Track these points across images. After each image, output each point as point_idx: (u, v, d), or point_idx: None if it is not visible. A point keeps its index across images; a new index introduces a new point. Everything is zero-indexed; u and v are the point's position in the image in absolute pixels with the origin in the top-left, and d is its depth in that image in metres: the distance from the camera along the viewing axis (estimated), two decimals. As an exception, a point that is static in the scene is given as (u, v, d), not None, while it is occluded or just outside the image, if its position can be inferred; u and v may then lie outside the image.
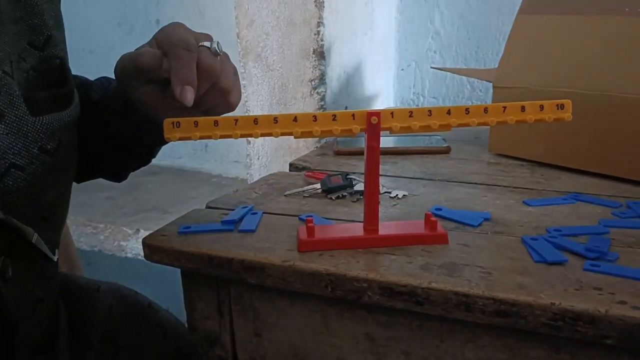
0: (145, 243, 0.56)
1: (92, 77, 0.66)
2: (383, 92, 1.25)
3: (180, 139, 0.50)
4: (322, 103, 1.04)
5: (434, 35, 1.25)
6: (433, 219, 0.53)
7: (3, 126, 0.45)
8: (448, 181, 0.72)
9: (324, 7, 0.99)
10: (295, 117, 0.50)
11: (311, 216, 0.57)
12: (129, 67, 0.53)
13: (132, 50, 0.55)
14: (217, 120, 0.50)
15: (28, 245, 0.51)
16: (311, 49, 1.01)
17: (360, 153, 0.81)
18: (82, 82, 0.64)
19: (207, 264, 0.53)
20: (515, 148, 0.80)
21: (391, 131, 0.51)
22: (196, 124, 0.50)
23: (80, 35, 1.79)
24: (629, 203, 0.61)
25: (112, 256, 1.50)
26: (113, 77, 0.57)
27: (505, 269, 0.47)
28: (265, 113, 1.03)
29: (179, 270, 0.57)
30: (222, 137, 0.50)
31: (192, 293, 0.58)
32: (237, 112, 0.56)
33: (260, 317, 0.56)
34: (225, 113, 0.56)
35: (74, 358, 0.63)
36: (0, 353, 0.52)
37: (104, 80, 0.64)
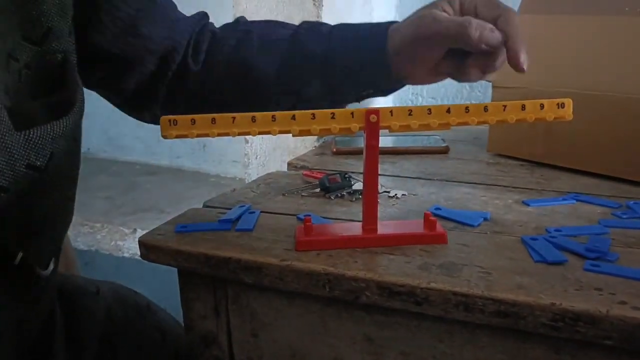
0: (142, 242, 0.55)
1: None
2: (382, 92, 1.25)
3: (177, 137, 0.49)
4: (321, 102, 1.03)
5: (433, 35, 1.25)
6: (432, 218, 0.53)
7: None
8: (447, 181, 0.71)
9: (322, 6, 0.98)
10: (294, 116, 0.50)
11: (309, 215, 0.57)
12: (430, 31, 0.53)
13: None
14: (214, 118, 0.49)
15: (11, 266, 0.48)
16: (310, 49, 1.01)
17: (359, 152, 0.81)
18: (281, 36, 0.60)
19: (203, 263, 0.53)
20: (515, 148, 0.80)
21: (390, 130, 0.50)
22: (193, 121, 0.49)
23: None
24: (629, 203, 0.61)
25: (109, 256, 1.50)
26: None
27: (505, 269, 0.47)
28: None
29: (175, 270, 0.57)
30: (219, 135, 0.49)
31: (188, 293, 0.58)
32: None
33: (258, 317, 0.55)
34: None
35: None
36: None
37: (307, 28, 0.61)
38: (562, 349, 0.44)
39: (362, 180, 0.52)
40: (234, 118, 0.49)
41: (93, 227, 1.53)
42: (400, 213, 0.61)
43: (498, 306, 0.43)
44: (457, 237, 0.53)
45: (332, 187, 0.66)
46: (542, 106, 0.50)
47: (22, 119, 0.43)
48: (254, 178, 0.93)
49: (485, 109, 0.50)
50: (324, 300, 0.51)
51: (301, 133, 0.50)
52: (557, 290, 0.43)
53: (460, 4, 0.55)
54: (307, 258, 0.50)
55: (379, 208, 0.53)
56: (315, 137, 0.95)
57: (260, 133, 0.50)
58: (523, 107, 0.50)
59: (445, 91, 1.27)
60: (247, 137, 1.11)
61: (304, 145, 0.99)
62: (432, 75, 0.58)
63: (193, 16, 0.65)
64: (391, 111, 0.50)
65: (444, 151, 0.85)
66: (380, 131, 0.50)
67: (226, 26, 0.66)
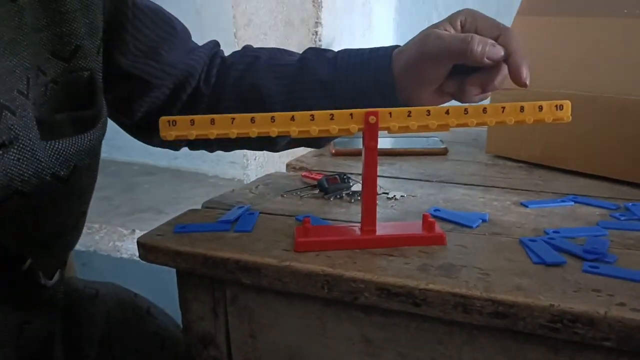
0: (140, 243, 0.55)
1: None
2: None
3: (176, 138, 0.49)
4: (320, 103, 1.03)
5: (431, 37, 1.25)
6: (431, 219, 0.53)
7: (15, 150, 0.42)
8: (446, 182, 0.71)
9: (321, 7, 0.99)
10: (293, 116, 0.50)
11: (308, 216, 0.57)
12: (434, 49, 0.54)
13: None
14: (213, 119, 0.49)
15: (17, 272, 0.49)
16: (309, 49, 1.01)
17: (358, 154, 0.81)
18: (295, 64, 0.62)
19: (202, 264, 0.53)
20: (513, 150, 0.80)
21: (389, 131, 0.50)
22: (192, 122, 0.49)
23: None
24: (628, 205, 0.61)
25: (107, 257, 1.50)
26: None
27: (504, 270, 0.47)
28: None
29: (174, 271, 0.57)
30: (218, 135, 0.49)
31: (187, 293, 0.58)
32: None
33: (256, 318, 0.55)
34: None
35: None
36: None
37: (313, 54, 0.63)
38: (560, 350, 0.44)
39: (360, 181, 0.52)
40: (233, 119, 0.49)
41: (91, 228, 1.53)
42: (399, 214, 0.61)
43: (496, 307, 0.43)
44: (456, 238, 0.53)
45: (330, 188, 0.66)
46: (540, 108, 0.50)
47: (48, 130, 0.44)
48: (252, 179, 0.93)
49: (484, 110, 0.50)
50: (322, 301, 0.51)
51: (300, 134, 0.50)
52: (556, 291, 0.43)
53: (461, 24, 0.56)
54: (305, 259, 0.50)
55: (377, 209, 0.53)
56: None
57: (259, 134, 0.50)
58: (522, 109, 0.50)
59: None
60: (246, 138, 1.11)
61: (303, 146, 0.99)
62: (436, 97, 0.58)
63: (207, 44, 0.67)
64: (390, 112, 0.50)
65: (443, 153, 0.85)
66: (379, 132, 0.50)
67: (235, 53, 0.68)
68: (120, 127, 0.66)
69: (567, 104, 0.51)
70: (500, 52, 0.53)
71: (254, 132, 0.49)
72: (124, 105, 0.62)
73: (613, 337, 0.40)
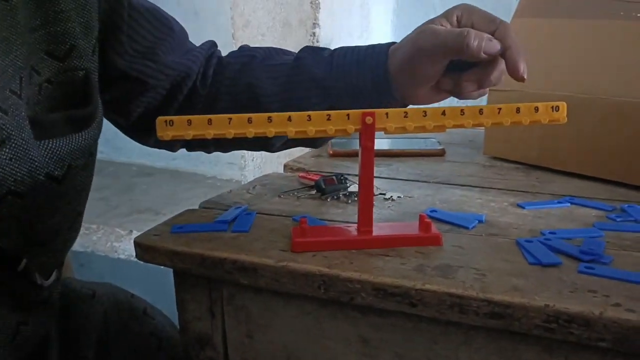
0: (137, 243, 0.55)
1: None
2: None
3: (173, 138, 0.50)
4: (318, 104, 1.03)
5: (429, 39, 1.25)
6: (427, 220, 0.53)
7: (7, 150, 0.42)
8: (443, 183, 0.71)
9: (319, 8, 0.99)
10: (290, 117, 0.50)
11: (305, 217, 0.57)
12: (429, 44, 0.54)
13: None
14: (210, 119, 0.49)
15: (13, 272, 0.49)
16: (307, 51, 1.01)
17: (355, 155, 0.81)
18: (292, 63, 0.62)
19: (199, 264, 0.53)
20: (510, 151, 0.80)
21: (386, 131, 0.51)
22: (189, 122, 0.49)
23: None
24: (624, 206, 0.61)
25: (105, 257, 1.49)
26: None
27: (500, 271, 0.47)
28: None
29: (171, 271, 0.57)
30: (215, 136, 0.50)
31: (184, 293, 0.58)
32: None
33: (253, 318, 0.55)
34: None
35: None
36: None
37: (310, 52, 0.63)
38: (556, 351, 0.45)
39: (357, 182, 0.52)
40: (230, 119, 0.49)
41: (89, 229, 1.53)
42: (396, 215, 0.61)
43: (493, 308, 0.43)
44: (453, 239, 0.54)
45: (328, 188, 0.66)
46: (536, 109, 0.50)
47: (42, 130, 0.44)
48: (250, 180, 0.93)
49: (481, 111, 0.50)
50: (319, 302, 0.51)
51: (297, 134, 0.50)
52: (552, 292, 0.43)
53: (458, 19, 0.55)
54: (302, 259, 0.50)
55: (374, 210, 0.53)
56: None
57: (256, 134, 0.50)
58: (518, 110, 0.50)
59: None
60: (244, 138, 1.11)
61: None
62: (433, 94, 0.58)
63: (204, 44, 0.67)
64: (387, 113, 0.50)
65: (440, 154, 0.85)
66: (376, 133, 0.51)
67: (231, 53, 0.68)
68: (116, 127, 0.66)
69: (563, 105, 0.51)
70: (496, 46, 0.52)
71: (250, 132, 0.49)
72: (121, 106, 0.62)
73: (608, 337, 0.41)
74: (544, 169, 0.76)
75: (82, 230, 0.57)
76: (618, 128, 0.68)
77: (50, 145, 0.44)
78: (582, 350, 0.43)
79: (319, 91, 0.59)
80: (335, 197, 0.66)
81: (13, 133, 0.42)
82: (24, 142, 0.42)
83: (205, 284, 0.56)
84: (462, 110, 0.50)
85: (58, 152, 0.45)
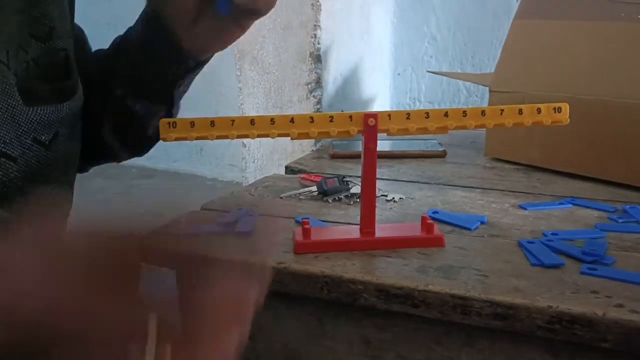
0: (140, 244, 0.55)
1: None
2: (379, 96, 1.25)
3: (176, 140, 0.50)
4: (318, 106, 1.03)
5: (430, 40, 1.25)
6: (429, 221, 0.53)
7: None
8: (444, 185, 0.72)
9: (320, 10, 0.99)
10: (292, 119, 0.50)
11: (307, 218, 0.57)
12: None
13: None
14: (213, 121, 0.49)
15: None
16: (307, 52, 1.01)
17: (357, 156, 0.81)
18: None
19: (202, 265, 0.53)
20: (512, 152, 0.80)
21: (388, 133, 0.51)
22: (192, 124, 0.49)
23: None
24: (625, 207, 0.61)
25: (105, 259, 1.49)
26: None
27: (502, 272, 0.47)
28: (261, 116, 1.02)
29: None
30: (218, 137, 0.50)
31: (186, 295, 0.58)
32: (233, 114, 0.55)
33: (255, 319, 0.55)
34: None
35: None
36: None
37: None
38: (559, 352, 0.45)
39: (359, 183, 0.52)
40: (232, 121, 0.50)
41: (89, 230, 1.53)
42: (398, 216, 0.61)
43: (495, 309, 0.43)
44: (455, 240, 0.54)
45: (329, 190, 0.66)
46: (539, 110, 0.51)
47: (31, 98, 0.47)
48: (251, 182, 0.93)
49: (483, 113, 0.50)
50: (321, 303, 0.51)
51: (300, 136, 0.50)
52: (554, 293, 0.43)
53: None
54: (305, 261, 0.50)
55: (376, 211, 0.53)
56: (313, 140, 0.95)
57: (259, 136, 0.50)
58: (520, 112, 0.50)
59: (442, 96, 1.27)
60: (245, 140, 1.12)
61: (302, 148, 1.00)
62: (215, 26, 0.51)
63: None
64: (389, 115, 0.50)
65: (442, 155, 0.85)
66: (378, 135, 0.51)
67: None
68: (106, 159, 0.67)
69: (565, 106, 0.51)
70: None
71: (253, 134, 0.50)
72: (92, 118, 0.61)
73: (611, 338, 0.41)
74: (546, 170, 0.76)
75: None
76: (620, 129, 0.68)
77: (39, 111, 0.47)
78: (585, 351, 0.43)
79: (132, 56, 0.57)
80: (337, 198, 0.66)
81: (0, 98, 0.44)
82: (10, 108, 0.45)
83: (207, 286, 0.56)
84: (464, 112, 0.50)
85: (46, 118, 0.48)
